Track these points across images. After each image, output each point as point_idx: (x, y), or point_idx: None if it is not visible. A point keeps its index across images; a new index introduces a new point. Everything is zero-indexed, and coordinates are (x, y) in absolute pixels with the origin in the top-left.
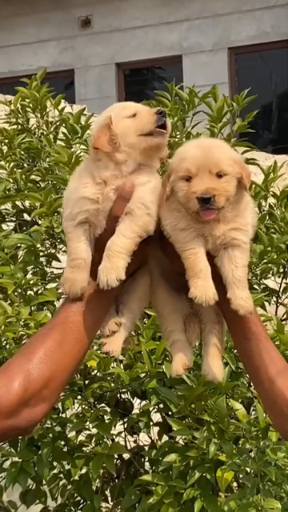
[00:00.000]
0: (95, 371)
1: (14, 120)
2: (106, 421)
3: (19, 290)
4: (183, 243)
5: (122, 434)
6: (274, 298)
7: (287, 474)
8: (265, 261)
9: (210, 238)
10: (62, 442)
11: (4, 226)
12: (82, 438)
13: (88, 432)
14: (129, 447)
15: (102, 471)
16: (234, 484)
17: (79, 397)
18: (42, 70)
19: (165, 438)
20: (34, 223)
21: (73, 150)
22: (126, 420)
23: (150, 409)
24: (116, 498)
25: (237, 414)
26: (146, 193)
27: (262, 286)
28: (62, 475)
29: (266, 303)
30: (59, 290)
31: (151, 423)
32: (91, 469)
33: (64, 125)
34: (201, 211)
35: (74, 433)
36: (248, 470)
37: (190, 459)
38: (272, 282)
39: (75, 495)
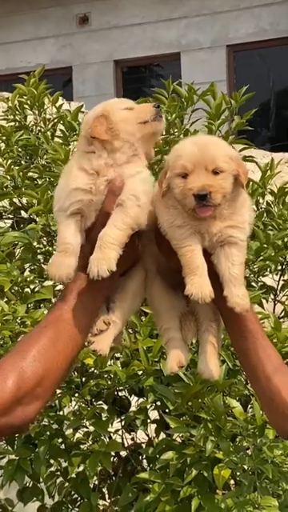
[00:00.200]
0: (92, 369)
1: (12, 117)
2: (103, 418)
3: (16, 288)
4: (180, 240)
5: (120, 432)
6: (272, 296)
7: (284, 472)
8: (261, 258)
9: (206, 235)
10: (60, 440)
11: (1, 224)
12: (79, 435)
13: (85, 429)
14: (126, 445)
15: (99, 469)
16: (232, 482)
17: (76, 394)
18: (41, 67)
19: (162, 435)
20: (32, 220)
21: (70, 147)
22: (123, 418)
23: (147, 406)
24: (113, 496)
25: (233, 412)
26: (137, 184)
27: (259, 284)
28: (59, 473)
29: (264, 301)
30: (56, 288)
31: (148, 421)
32: (88, 466)
33: (62, 122)
34: (197, 208)
35: (71, 430)
36: (245, 467)
37: (186, 457)
38: (270, 280)
39: (72, 493)
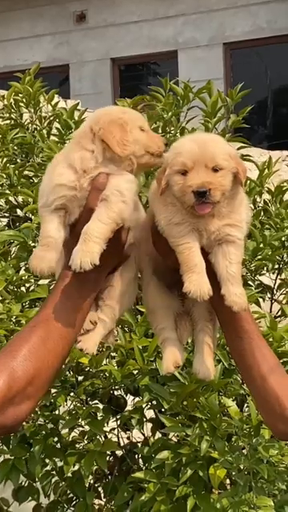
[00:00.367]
0: (87, 368)
1: (7, 115)
2: (99, 418)
3: (11, 287)
4: (177, 237)
5: (115, 431)
6: (269, 295)
7: (280, 472)
8: (258, 257)
9: (204, 232)
10: (55, 439)
11: None
12: (74, 434)
13: (81, 429)
14: (122, 444)
15: (94, 468)
16: (227, 481)
17: (71, 394)
18: (36, 64)
19: (158, 434)
20: (27, 219)
21: (66, 145)
22: (118, 417)
23: (143, 406)
24: (109, 495)
25: (229, 412)
26: (122, 181)
27: (256, 283)
28: (54, 472)
29: (261, 300)
30: (52, 287)
31: (144, 420)
32: (83, 466)
33: (57, 120)
34: (196, 205)
35: (66, 430)
36: (240, 467)
37: (182, 456)
38: (267, 279)
39: (68, 492)
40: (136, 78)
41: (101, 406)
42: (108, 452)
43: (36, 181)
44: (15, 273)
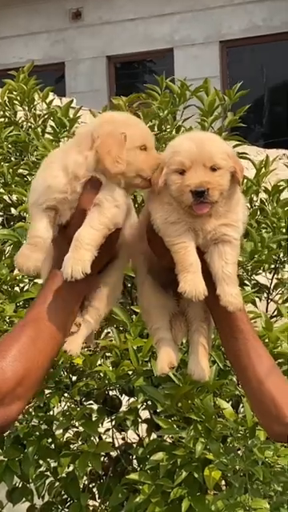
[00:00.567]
0: (81, 368)
1: (2, 113)
2: (93, 419)
3: (4, 287)
4: (173, 237)
5: (110, 432)
6: (265, 295)
7: (276, 473)
8: (255, 259)
9: (200, 232)
10: (49, 440)
11: None
12: (68, 435)
13: (75, 429)
14: (117, 444)
15: (89, 469)
16: (223, 482)
17: (66, 394)
18: (30, 62)
19: (153, 435)
20: (22, 218)
21: (60, 143)
22: (113, 417)
23: (138, 406)
24: (103, 496)
25: (224, 413)
26: (114, 185)
27: (252, 282)
28: (48, 473)
29: (257, 299)
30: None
31: (139, 420)
32: (77, 467)
33: (52, 118)
34: (194, 205)
35: (60, 431)
36: (236, 468)
37: (177, 458)
38: (263, 278)
39: (62, 493)
40: (132, 75)
41: (95, 406)
42: (102, 453)
43: (30, 179)
44: (9, 272)
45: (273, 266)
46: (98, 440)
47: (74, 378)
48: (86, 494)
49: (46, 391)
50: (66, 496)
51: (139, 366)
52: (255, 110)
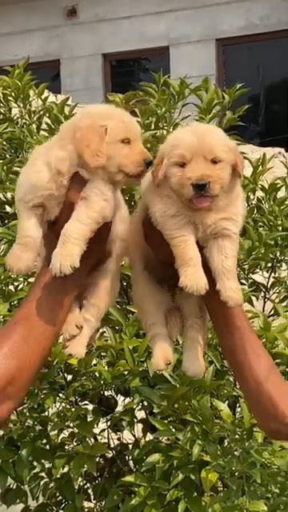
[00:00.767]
0: (76, 368)
1: None
2: (89, 419)
3: None
4: (173, 230)
5: (106, 432)
6: (262, 294)
7: (273, 473)
8: (253, 257)
9: (200, 226)
10: (44, 441)
11: None
12: (63, 435)
13: (70, 430)
14: (112, 445)
15: (84, 470)
16: (219, 483)
17: (60, 395)
18: (25, 58)
19: (149, 435)
20: (15, 215)
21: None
22: (109, 418)
23: (134, 407)
24: (99, 498)
25: (221, 415)
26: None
27: (249, 281)
28: (43, 473)
29: (254, 298)
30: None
31: (135, 420)
32: (72, 469)
33: (47, 115)
34: (195, 198)
35: (55, 431)
36: (233, 470)
37: (173, 459)
38: (260, 277)
39: (57, 494)
40: (127, 73)
41: (90, 406)
42: (98, 454)
43: None
44: (3, 271)
45: (270, 265)
46: (93, 441)
47: (69, 378)
48: (81, 496)
49: (41, 392)
50: (60, 497)
51: (135, 366)
52: (251, 108)
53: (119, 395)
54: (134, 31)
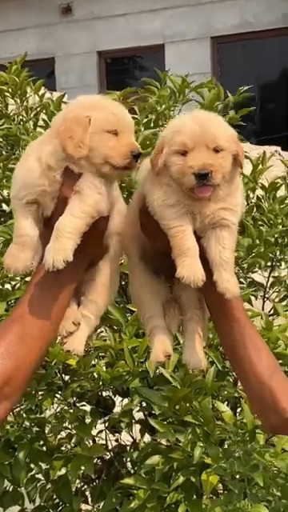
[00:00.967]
0: (74, 369)
1: None
2: (87, 421)
3: None
4: (170, 220)
5: (103, 433)
6: (261, 293)
7: (274, 475)
8: (253, 255)
9: (198, 216)
10: (41, 442)
11: None
12: (60, 436)
13: (67, 431)
14: (110, 446)
15: (81, 472)
16: (220, 485)
17: (58, 396)
18: (22, 54)
19: (146, 436)
20: (12, 214)
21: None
22: (107, 419)
23: (132, 408)
24: (97, 500)
25: (223, 416)
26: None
27: (248, 280)
28: (40, 475)
29: (252, 298)
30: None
31: (133, 421)
32: (70, 471)
33: (44, 111)
34: (196, 187)
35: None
36: (234, 472)
37: (173, 461)
38: (259, 276)
39: (54, 497)
40: (122, 71)
41: (88, 407)
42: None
43: None
44: (0, 270)
45: (269, 264)
46: (91, 442)
47: (67, 378)
48: (79, 498)
49: (38, 393)
50: (57, 500)
51: (135, 367)
52: (247, 106)
53: (117, 396)
54: (129, 29)
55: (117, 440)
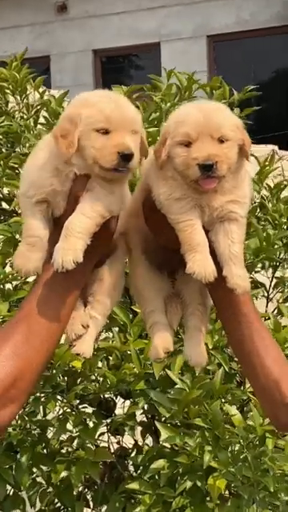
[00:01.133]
0: (78, 371)
1: None
2: (90, 423)
3: None
4: (178, 214)
5: (105, 436)
6: (265, 293)
7: (281, 479)
8: (260, 257)
9: (206, 209)
10: (42, 445)
11: None
12: (62, 438)
13: (69, 433)
14: (112, 449)
15: (83, 475)
16: (226, 490)
17: (59, 397)
18: (18, 53)
19: (149, 438)
20: (13, 212)
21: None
22: (109, 421)
23: (137, 411)
24: (99, 504)
25: (232, 420)
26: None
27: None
28: (41, 479)
29: (253, 298)
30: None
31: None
32: (73, 475)
33: (45, 108)
34: (201, 179)
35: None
36: (244, 478)
37: (179, 466)
38: (261, 277)
39: (55, 501)
40: (118, 70)
41: (90, 409)
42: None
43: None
44: (3, 270)
45: (273, 264)
46: (94, 446)
47: (70, 380)
48: (81, 503)
49: (41, 395)
50: (59, 504)
51: (142, 369)
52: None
53: (118, 397)
54: (125, 27)
55: (118, 442)
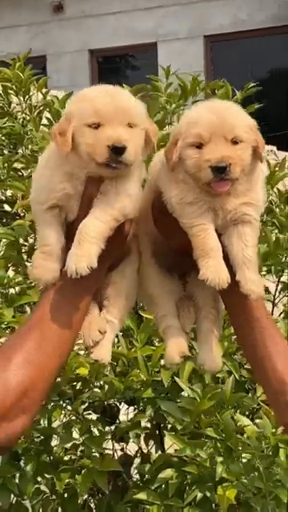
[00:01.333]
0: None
1: None
2: (95, 430)
3: (1, 290)
4: (191, 218)
5: (109, 443)
6: (270, 298)
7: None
8: (269, 263)
9: (220, 212)
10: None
11: None
12: (65, 446)
13: (73, 441)
14: (116, 456)
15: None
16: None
17: (64, 405)
18: (25, 51)
19: (152, 444)
20: (16, 215)
21: None
22: (113, 428)
23: (144, 419)
24: None
25: (245, 431)
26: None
27: None
28: (45, 488)
29: None
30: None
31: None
32: (79, 485)
33: (48, 109)
34: (214, 182)
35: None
36: (255, 489)
37: (188, 475)
38: (266, 281)
39: (59, 510)
40: (114, 70)
41: (94, 416)
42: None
43: (26, 174)
44: (6, 274)
45: (279, 268)
46: (98, 455)
47: (76, 388)
48: None
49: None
50: None
51: (149, 376)
52: (240, 105)
53: (122, 403)
54: (122, 27)
55: (122, 449)
